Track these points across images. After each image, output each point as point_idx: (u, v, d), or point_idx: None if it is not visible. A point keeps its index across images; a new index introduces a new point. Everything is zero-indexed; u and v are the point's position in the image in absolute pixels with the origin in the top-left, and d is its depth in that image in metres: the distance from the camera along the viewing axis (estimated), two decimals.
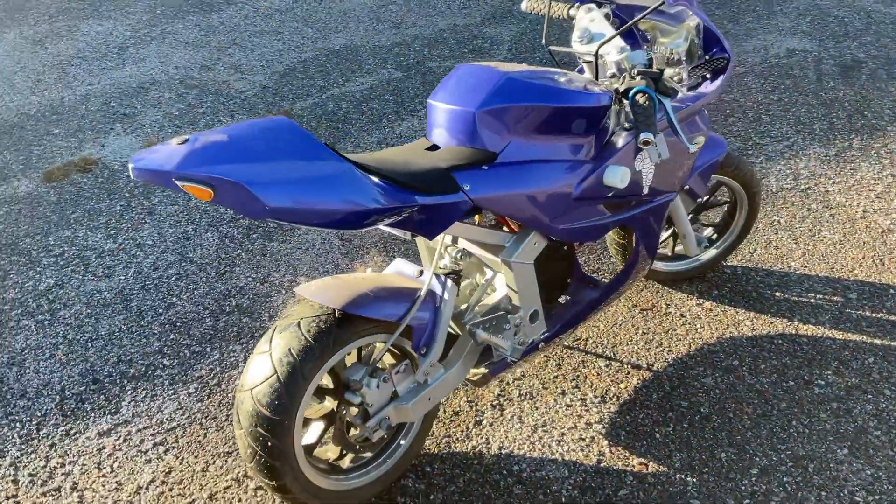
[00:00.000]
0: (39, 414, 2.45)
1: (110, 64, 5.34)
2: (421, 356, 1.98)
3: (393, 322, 1.91)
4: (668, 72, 2.34)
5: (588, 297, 2.34)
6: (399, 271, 2.12)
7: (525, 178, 1.97)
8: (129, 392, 2.52)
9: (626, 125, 2.16)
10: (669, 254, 2.88)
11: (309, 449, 2.00)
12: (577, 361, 2.57)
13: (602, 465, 2.21)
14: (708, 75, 2.46)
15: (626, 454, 2.24)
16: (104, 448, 2.31)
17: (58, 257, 3.24)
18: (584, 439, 2.29)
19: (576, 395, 2.44)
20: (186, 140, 1.52)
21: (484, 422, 2.36)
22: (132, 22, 6.13)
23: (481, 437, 2.31)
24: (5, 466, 2.27)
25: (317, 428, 2.01)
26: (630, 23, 2.14)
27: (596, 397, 2.43)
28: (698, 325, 2.70)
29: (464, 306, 2.18)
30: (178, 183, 1.47)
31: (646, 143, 1.89)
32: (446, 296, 2.01)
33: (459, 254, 2.13)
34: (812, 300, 2.80)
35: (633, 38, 2.51)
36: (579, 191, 2.05)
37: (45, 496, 2.17)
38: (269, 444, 1.81)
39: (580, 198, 2.07)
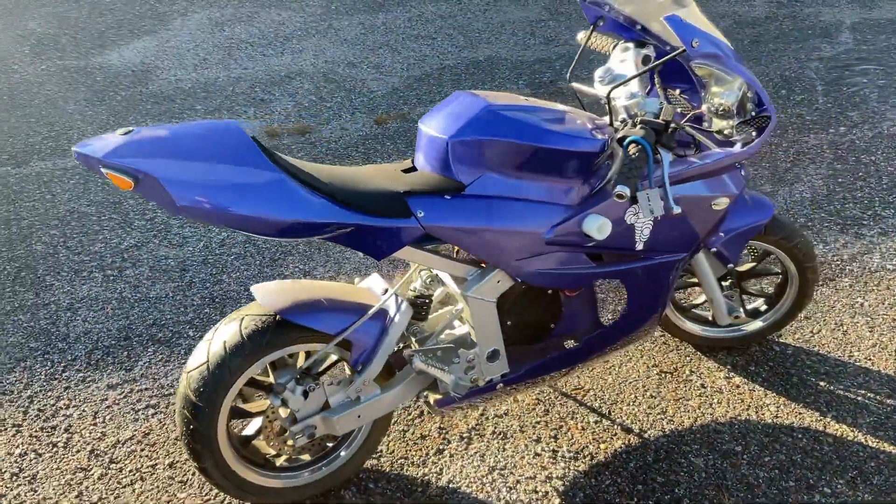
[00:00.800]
0: (69, 358, 2.73)
1: (271, 51, 5.76)
2: (357, 372, 1.99)
3: (331, 335, 1.94)
4: (719, 124, 2.18)
5: (568, 349, 2.23)
6: (369, 286, 2.14)
7: (490, 214, 1.91)
8: (149, 354, 2.74)
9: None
10: (709, 318, 2.66)
11: (245, 440, 2.08)
12: (567, 411, 2.45)
13: None
14: (754, 133, 2.25)
15: None
16: (106, 400, 2.53)
17: (148, 222, 3.57)
18: (536, 492, 2.18)
19: (550, 445, 2.33)
20: (130, 131, 1.64)
21: (446, 451, 2.32)
22: (306, 14, 6.56)
23: (436, 467, 2.27)
24: (24, 397, 2.56)
25: (256, 422, 2.09)
26: (646, 69, 2.01)
27: (569, 452, 2.30)
28: (715, 400, 2.48)
29: (427, 332, 2.15)
30: (103, 170, 1.59)
31: (620, 196, 1.77)
32: (397, 318, 2.00)
33: (430, 280, 2.11)
34: (859, 398, 2.47)
35: (689, 82, 2.35)
36: (551, 235, 1.96)
37: (42, 431, 2.42)
38: (192, 427, 1.90)
39: (553, 242, 1.97)
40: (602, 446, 2.33)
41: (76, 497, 2.18)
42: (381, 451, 2.33)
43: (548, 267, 2.02)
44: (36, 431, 2.42)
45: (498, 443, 2.34)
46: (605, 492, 2.18)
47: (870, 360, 2.63)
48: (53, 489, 2.21)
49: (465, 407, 2.15)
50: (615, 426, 2.39)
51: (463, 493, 2.19)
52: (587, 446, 2.33)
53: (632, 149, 1.84)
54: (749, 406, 2.45)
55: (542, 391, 2.53)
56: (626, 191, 1.76)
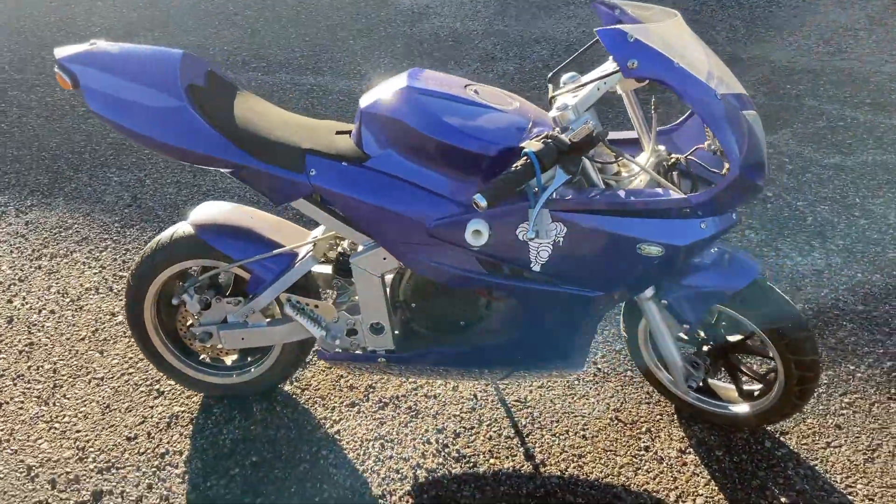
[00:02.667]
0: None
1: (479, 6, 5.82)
2: (249, 299, 2.21)
3: (232, 259, 2.18)
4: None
5: (466, 350, 2.16)
6: (312, 232, 2.32)
7: (378, 191, 1.96)
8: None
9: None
10: (699, 384, 2.31)
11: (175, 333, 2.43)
12: (491, 416, 2.38)
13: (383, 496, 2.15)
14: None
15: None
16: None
17: None
18: (398, 473, 2.21)
19: (447, 440, 2.31)
20: (94, 43, 2.04)
21: (358, 407, 2.44)
22: None
23: (339, 416, 2.41)
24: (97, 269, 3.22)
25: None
26: (568, 59, 1.85)
27: (458, 453, 2.27)
28: (645, 468, 2.20)
29: (346, 289, 2.28)
30: (56, 69, 2.01)
31: (476, 204, 1.73)
32: (297, 265, 2.16)
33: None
34: None
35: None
36: (433, 227, 1.93)
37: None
38: (128, 301, 2.31)
39: (436, 236, 1.95)
40: (492, 461, 2.24)
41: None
42: (310, 384, 2.53)
43: (431, 259, 2.00)
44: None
45: (405, 417, 2.39)
46: (455, 500, 2.13)
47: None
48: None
49: (349, 367, 2.25)
50: (521, 449, 2.28)
51: (338, 446, 2.31)
52: (478, 455, 2.26)
53: (519, 162, 1.75)
54: (676, 489, 2.14)
55: (485, 390, 2.48)
56: (482, 201, 1.70)
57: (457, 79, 2.08)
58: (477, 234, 1.83)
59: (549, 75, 2.10)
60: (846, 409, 2.36)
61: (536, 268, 1.95)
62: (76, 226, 3.39)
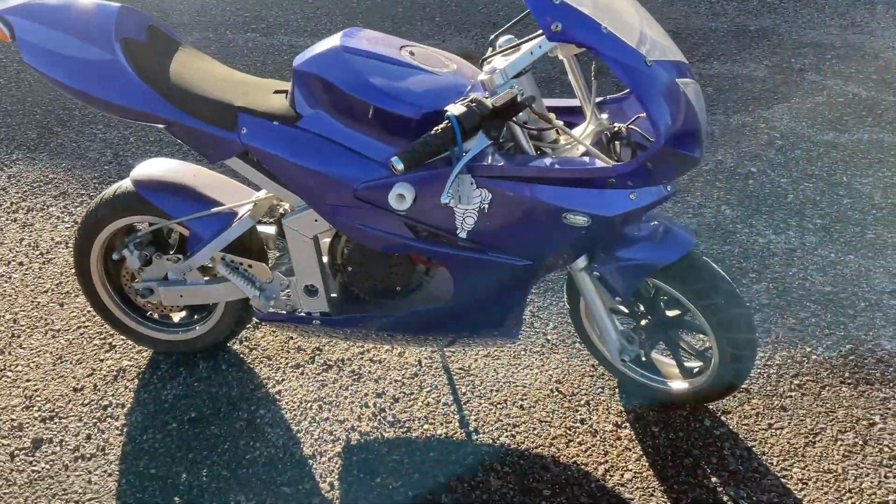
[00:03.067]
0: None
1: None
2: (187, 257, 2.21)
3: (170, 216, 2.18)
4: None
5: (397, 316, 2.14)
6: (259, 193, 2.31)
7: (307, 152, 1.94)
8: None
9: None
10: (643, 358, 2.27)
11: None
12: (432, 383, 2.37)
13: (322, 464, 2.16)
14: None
15: (360, 467, 2.13)
16: None
17: None
18: (331, 434, 2.22)
19: (385, 404, 2.31)
20: None
21: (302, 368, 2.44)
22: None
23: (283, 377, 2.42)
24: None
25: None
26: (509, 24, 1.81)
27: (393, 418, 2.26)
28: (578, 440, 2.17)
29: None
30: None
31: (394, 167, 1.70)
32: (235, 225, 2.16)
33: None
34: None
35: None
36: (360, 189, 1.91)
37: None
38: (76, 259, 2.34)
39: (363, 199, 1.93)
40: (425, 427, 2.24)
41: None
42: (259, 344, 2.54)
43: (360, 222, 1.98)
44: None
45: (347, 381, 2.39)
46: (382, 467, 2.13)
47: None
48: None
49: (285, 328, 2.25)
50: (456, 417, 2.26)
51: (276, 406, 2.32)
52: (413, 421, 2.26)
53: (441, 125, 1.71)
54: (606, 462, 2.11)
55: (430, 356, 2.46)
56: (399, 164, 1.67)
57: (395, 39, 2.04)
58: (400, 198, 1.80)
59: (491, 38, 2.05)
60: (795, 391, 2.30)
61: (463, 234, 1.92)
62: (56, 181, 3.44)
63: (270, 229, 2.30)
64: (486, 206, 1.85)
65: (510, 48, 1.89)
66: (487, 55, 1.91)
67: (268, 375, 2.43)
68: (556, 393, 2.33)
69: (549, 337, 2.53)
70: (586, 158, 1.83)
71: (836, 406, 2.24)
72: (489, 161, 1.82)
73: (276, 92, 2.07)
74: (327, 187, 1.93)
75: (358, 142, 1.91)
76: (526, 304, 2.08)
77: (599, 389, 2.33)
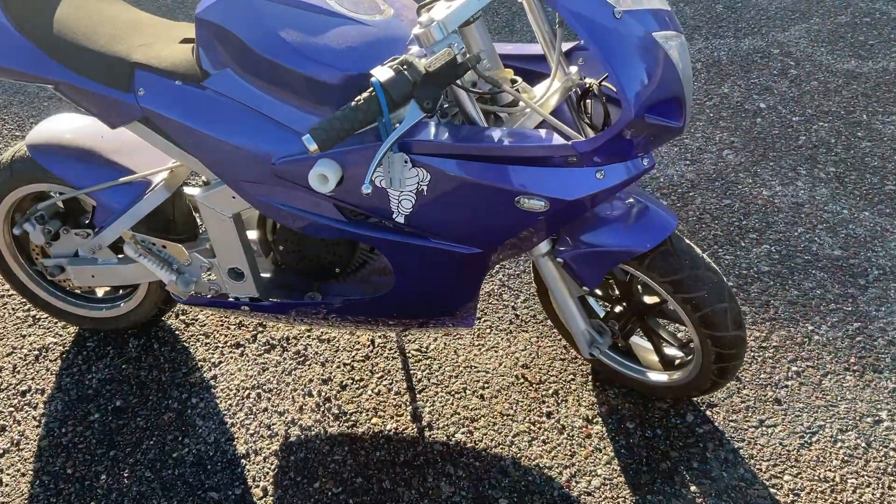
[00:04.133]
0: None
1: None
2: (95, 233, 1.93)
3: (74, 187, 1.89)
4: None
5: (328, 302, 1.86)
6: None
7: (217, 118, 1.63)
8: None
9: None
10: (619, 344, 2.00)
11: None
12: (385, 367, 2.12)
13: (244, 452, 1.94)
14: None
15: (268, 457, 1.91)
16: None
17: None
18: (268, 429, 1.99)
19: (331, 393, 2.07)
20: None
21: (243, 348, 2.19)
22: None
23: (221, 357, 2.17)
24: None
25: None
26: None
27: (339, 409, 2.02)
28: (543, 438, 1.93)
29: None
30: None
31: (306, 146, 1.40)
32: (148, 196, 1.87)
33: None
34: None
35: None
36: (280, 165, 1.60)
37: None
38: None
39: (283, 176, 1.62)
40: (374, 421, 2.00)
41: None
42: (197, 318, 2.29)
43: (280, 201, 1.68)
44: None
45: (290, 364, 2.14)
46: (323, 468, 1.90)
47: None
48: None
49: (211, 311, 1.99)
50: (409, 409, 2.02)
51: (211, 393, 2.08)
52: (360, 414, 2.02)
53: (364, 94, 1.40)
54: (572, 466, 1.87)
55: (384, 336, 2.20)
56: (311, 143, 1.37)
57: None
58: (322, 178, 1.50)
59: None
60: (792, 379, 2.03)
61: (399, 219, 1.62)
62: None
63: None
64: (425, 187, 1.55)
65: None
66: (424, 2, 1.55)
67: (204, 357, 2.18)
68: (521, 380, 2.07)
69: (518, 312, 2.26)
70: (542, 132, 1.51)
71: (838, 398, 1.98)
72: (428, 135, 1.51)
73: (184, 41, 1.74)
74: (241, 161, 1.63)
75: (274, 108, 1.59)
76: (479, 292, 1.80)
77: (570, 376, 2.07)
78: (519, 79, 1.64)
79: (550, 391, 2.04)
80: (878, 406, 1.95)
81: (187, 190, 2.00)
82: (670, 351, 1.92)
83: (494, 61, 1.68)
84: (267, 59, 1.52)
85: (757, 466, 1.85)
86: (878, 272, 2.28)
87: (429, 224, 1.61)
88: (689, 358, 1.86)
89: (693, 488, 1.81)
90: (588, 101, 1.71)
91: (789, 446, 1.88)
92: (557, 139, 1.48)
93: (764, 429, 1.92)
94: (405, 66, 1.38)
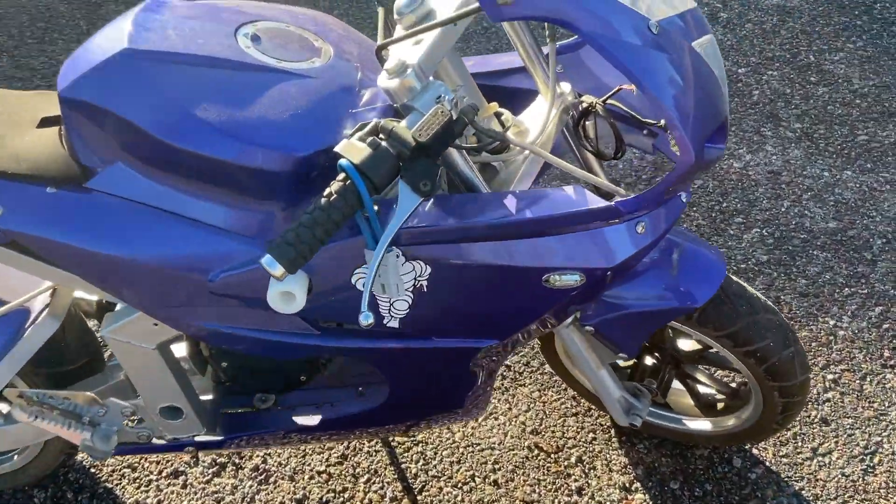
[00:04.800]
0: None
1: None
2: None
3: None
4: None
5: (308, 418, 1.47)
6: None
7: (113, 228, 1.16)
8: None
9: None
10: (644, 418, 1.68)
11: None
12: (368, 468, 1.73)
13: None
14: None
15: None
16: None
17: None
18: None
19: None
20: None
21: (185, 476, 1.75)
22: None
23: (141, 501, 1.72)
24: None
25: None
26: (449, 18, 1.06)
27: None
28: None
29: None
30: None
31: (268, 272, 0.97)
32: (27, 330, 1.38)
33: None
34: None
35: None
36: (220, 281, 1.16)
37: None
38: None
39: (227, 294, 1.18)
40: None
41: None
42: None
43: (225, 324, 1.24)
44: None
45: (250, 487, 1.71)
46: None
47: None
48: None
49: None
50: None
51: None
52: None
53: (333, 185, 0.98)
54: None
55: None
56: (275, 268, 0.95)
57: (227, 9, 1.24)
58: (287, 297, 1.07)
59: None
60: (831, 390, 1.79)
61: (394, 324, 1.23)
62: None
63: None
64: (424, 282, 1.17)
65: (418, 24, 1.12)
66: (385, 40, 1.13)
67: (136, 498, 1.72)
68: (536, 452, 1.74)
69: (508, 362, 1.91)
70: (569, 190, 1.15)
71: (886, 404, 1.76)
72: (421, 217, 1.12)
73: (45, 122, 1.25)
74: (161, 284, 1.18)
75: (197, 208, 1.15)
76: (495, 380, 1.45)
77: (590, 435, 1.76)
78: (505, 112, 1.27)
79: (573, 459, 1.72)
80: None
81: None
82: (710, 392, 1.63)
83: (475, 96, 1.30)
84: (175, 148, 1.07)
85: None
86: (882, 241, 2.07)
87: (431, 324, 1.23)
88: (740, 405, 1.57)
89: None
90: (585, 122, 1.36)
91: (852, 475, 1.65)
92: (594, 199, 1.13)
93: (820, 458, 1.68)
94: (383, 137, 0.98)
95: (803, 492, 1.63)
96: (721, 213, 2.18)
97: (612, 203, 1.11)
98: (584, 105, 1.35)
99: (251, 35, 1.17)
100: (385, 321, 1.22)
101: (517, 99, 1.42)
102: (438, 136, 0.99)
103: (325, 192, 0.96)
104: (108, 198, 1.15)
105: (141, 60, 1.08)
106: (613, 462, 1.71)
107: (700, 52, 1.11)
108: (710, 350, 1.49)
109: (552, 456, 1.73)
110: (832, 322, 1.91)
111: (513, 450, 1.74)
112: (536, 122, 1.29)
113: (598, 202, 1.12)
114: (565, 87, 1.33)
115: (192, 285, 1.17)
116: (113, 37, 1.11)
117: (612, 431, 1.76)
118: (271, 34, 1.19)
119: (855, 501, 1.61)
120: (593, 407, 1.80)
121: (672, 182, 1.11)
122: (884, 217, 2.13)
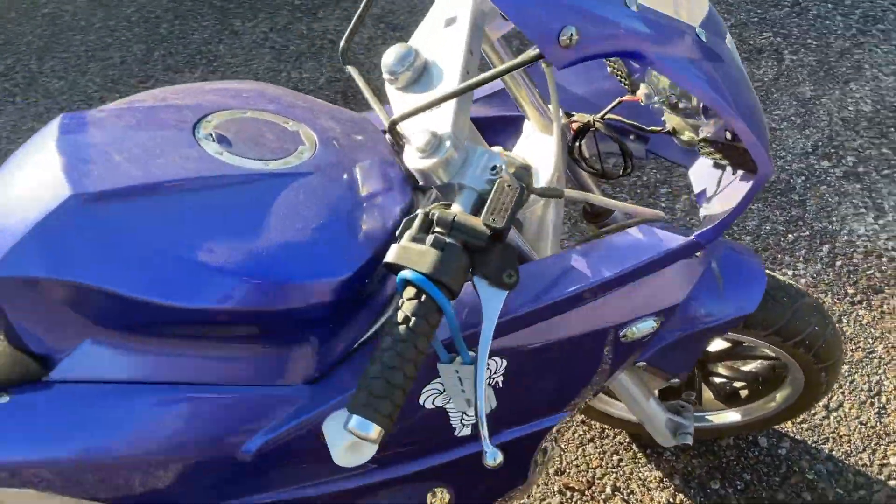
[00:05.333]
0: None
1: None
2: None
3: None
4: (675, 122, 1.11)
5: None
6: None
7: (98, 421, 0.86)
8: None
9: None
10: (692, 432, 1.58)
11: None
12: None
13: None
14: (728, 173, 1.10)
15: None
16: None
17: None
18: None
19: None
20: None
21: None
22: None
23: None
24: None
25: None
26: (476, 80, 0.85)
27: None
28: None
29: None
30: None
31: (365, 438, 0.73)
32: None
33: None
34: None
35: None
36: (261, 448, 0.90)
37: None
38: None
39: (266, 458, 0.92)
40: None
41: None
42: None
43: (267, 493, 0.99)
44: None
45: None
46: None
47: None
48: None
49: None
50: None
51: None
52: None
53: (406, 306, 0.75)
54: None
55: None
56: (368, 430, 0.73)
57: (165, 107, 0.96)
58: (358, 448, 0.84)
59: (343, 44, 1.06)
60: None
61: (466, 432, 1.04)
62: None
63: None
64: (500, 378, 0.99)
65: (422, 108, 0.91)
66: (403, 114, 0.91)
67: None
68: (568, 494, 1.59)
69: None
70: (637, 234, 1.02)
71: (871, 340, 1.78)
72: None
73: None
74: (176, 475, 0.92)
75: (212, 370, 0.89)
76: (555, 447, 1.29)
77: (615, 459, 1.64)
78: (508, 153, 1.10)
79: (608, 489, 1.59)
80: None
81: None
82: (730, 383, 1.57)
83: (478, 140, 1.14)
84: (172, 308, 0.80)
85: (861, 463, 1.60)
86: (802, 179, 2.11)
87: (504, 417, 1.06)
88: (767, 386, 1.52)
89: None
90: (580, 142, 1.24)
91: (869, 422, 1.66)
92: (671, 237, 1.00)
93: (835, 414, 1.67)
94: (442, 230, 0.79)
95: (834, 453, 1.61)
96: (645, 188, 2.13)
97: (693, 237, 0.99)
98: (579, 124, 1.22)
99: (214, 136, 0.90)
100: (456, 432, 1.02)
101: (492, 129, 1.25)
102: (512, 215, 0.80)
103: (400, 318, 0.75)
104: (79, 387, 0.86)
105: (95, 206, 0.80)
106: (648, 480, 1.60)
107: (734, 53, 1.01)
108: (742, 345, 1.42)
109: (587, 493, 1.59)
110: (791, 272, 1.92)
111: (545, 499, 1.59)
112: (540, 158, 1.12)
113: (678, 240, 0.99)
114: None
115: (218, 464, 0.91)
116: (41, 182, 0.81)
117: (634, 447, 1.65)
118: (235, 127, 0.93)
119: (882, 446, 1.61)
120: (605, 426, 1.69)
121: (750, 200, 0.99)
122: (793, 155, 2.17)
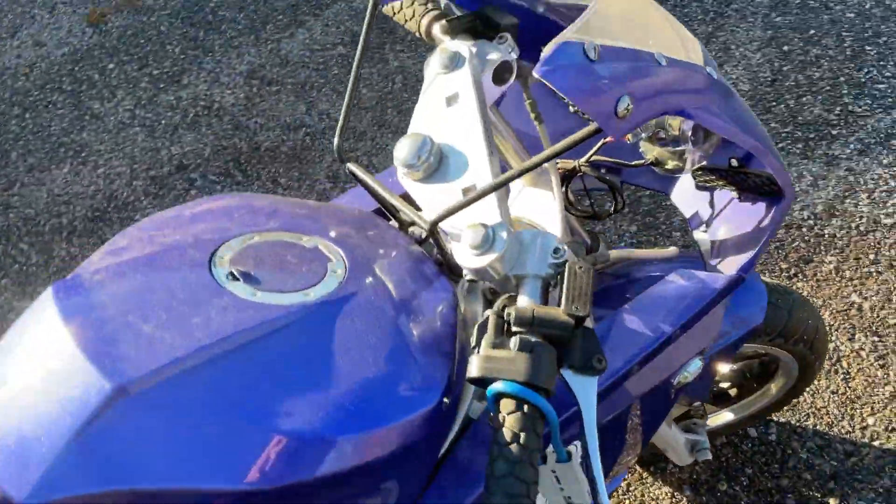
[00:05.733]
0: None
1: None
2: None
3: None
4: (654, 152, 1.10)
5: None
6: None
7: None
8: None
9: None
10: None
11: None
12: None
13: None
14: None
15: None
16: None
17: None
18: None
19: None
20: None
21: None
22: None
23: None
24: None
25: None
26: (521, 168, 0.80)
27: None
28: None
29: None
30: None
31: None
32: None
33: None
34: None
35: None
36: None
37: None
38: None
39: None
40: None
41: None
42: None
43: None
44: None
45: None
46: None
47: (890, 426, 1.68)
48: None
49: None
50: None
51: None
52: None
53: (510, 423, 0.68)
54: None
55: None
56: None
57: (170, 247, 0.86)
58: None
59: (337, 139, 0.98)
60: None
61: None
62: None
63: None
64: (580, 457, 0.96)
65: (461, 205, 0.86)
66: (443, 213, 0.85)
67: None
68: None
69: None
70: (684, 282, 1.01)
71: (821, 302, 1.87)
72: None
73: None
74: None
75: None
76: None
77: (623, 484, 1.63)
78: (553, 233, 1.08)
79: None
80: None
81: None
82: (718, 387, 1.60)
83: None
84: (247, 492, 0.71)
85: (844, 431, 1.67)
86: None
87: None
88: (758, 382, 1.56)
89: (832, 501, 1.58)
90: (568, 186, 1.24)
91: (839, 389, 1.74)
92: (715, 278, 1.00)
93: (808, 389, 1.74)
94: (522, 329, 0.74)
95: (818, 427, 1.68)
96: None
97: (736, 273, 0.98)
98: (564, 170, 1.20)
99: (237, 274, 0.80)
100: None
101: None
102: (587, 300, 0.77)
103: (508, 438, 0.69)
104: None
105: (143, 393, 0.68)
106: (661, 498, 1.61)
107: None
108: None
109: None
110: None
111: None
112: (542, 216, 1.08)
113: (721, 278, 0.98)
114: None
115: None
116: (61, 376, 0.68)
117: (637, 468, 1.66)
118: (252, 258, 0.83)
119: (857, 409, 1.70)
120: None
121: (780, 223, 1.01)
122: None
